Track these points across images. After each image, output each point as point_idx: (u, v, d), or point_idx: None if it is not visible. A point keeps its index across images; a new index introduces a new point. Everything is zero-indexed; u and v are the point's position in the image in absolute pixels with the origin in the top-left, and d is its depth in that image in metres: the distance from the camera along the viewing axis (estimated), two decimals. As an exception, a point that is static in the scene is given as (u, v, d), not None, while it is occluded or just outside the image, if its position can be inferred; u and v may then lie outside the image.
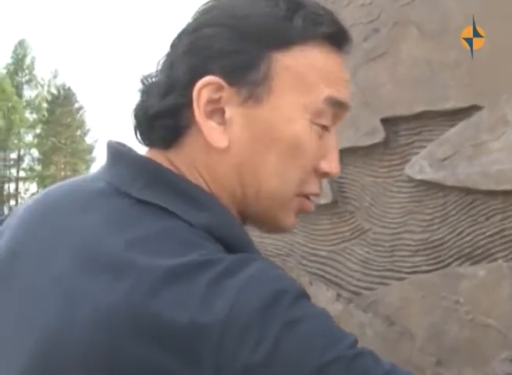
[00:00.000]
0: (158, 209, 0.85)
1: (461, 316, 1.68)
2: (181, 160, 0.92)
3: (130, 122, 0.95)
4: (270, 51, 0.89)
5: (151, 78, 0.95)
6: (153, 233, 0.82)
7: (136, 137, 0.96)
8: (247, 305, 0.75)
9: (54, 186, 0.99)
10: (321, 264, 2.07)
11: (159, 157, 0.92)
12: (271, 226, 0.97)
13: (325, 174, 0.95)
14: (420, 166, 1.84)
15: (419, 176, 1.84)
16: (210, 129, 0.90)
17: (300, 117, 0.90)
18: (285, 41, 0.90)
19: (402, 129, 1.93)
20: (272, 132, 0.90)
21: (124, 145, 0.95)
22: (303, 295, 0.80)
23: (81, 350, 0.77)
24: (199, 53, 0.90)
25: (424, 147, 1.86)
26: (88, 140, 47.20)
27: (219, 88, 0.89)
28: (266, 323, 0.74)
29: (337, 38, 0.93)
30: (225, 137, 0.90)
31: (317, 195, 0.97)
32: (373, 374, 0.77)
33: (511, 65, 1.70)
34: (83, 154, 46.28)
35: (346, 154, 1.94)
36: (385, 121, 1.94)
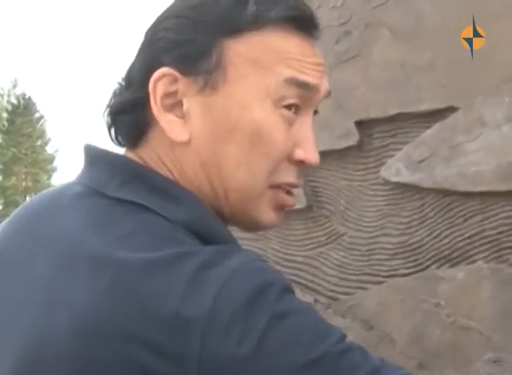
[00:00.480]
0: (136, 206, 0.83)
1: (442, 319, 1.67)
2: (149, 157, 0.90)
3: (103, 124, 0.94)
4: (221, 39, 0.87)
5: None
6: (132, 229, 0.80)
7: (111, 139, 0.94)
8: (232, 297, 0.73)
9: (34, 196, 0.98)
10: (297, 270, 2.04)
11: (133, 156, 0.91)
12: (248, 223, 0.93)
13: (300, 163, 0.91)
14: (396, 169, 1.83)
15: (395, 179, 1.83)
16: (169, 123, 0.87)
17: (259, 103, 0.87)
18: (235, 27, 0.87)
19: (376, 131, 1.92)
20: (229, 121, 0.87)
21: (100, 148, 0.93)
22: (288, 289, 0.78)
23: (62, 359, 0.76)
24: (153, 46, 0.89)
25: (400, 149, 1.85)
26: (49, 150, 46.81)
27: (174, 80, 0.87)
28: (252, 316, 0.73)
29: (299, 21, 0.90)
30: (186, 131, 0.87)
31: (294, 186, 0.92)
32: (361, 370, 0.75)
33: (487, 66, 1.69)
34: (44, 164, 45.89)
35: (319, 157, 1.92)
36: (359, 124, 1.93)
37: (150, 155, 0.90)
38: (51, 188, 0.98)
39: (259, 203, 0.90)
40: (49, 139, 46.51)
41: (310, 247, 2.02)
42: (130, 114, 0.89)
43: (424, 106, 1.80)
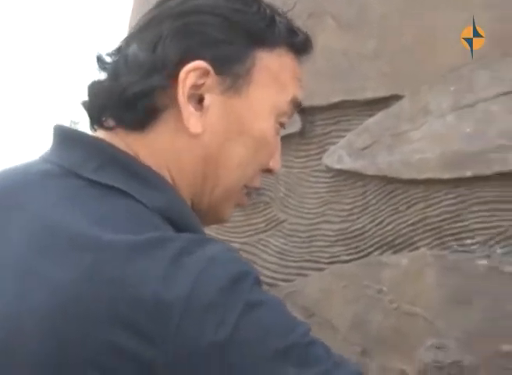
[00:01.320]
0: (113, 190, 0.84)
1: (385, 305, 1.68)
2: (143, 144, 0.90)
3: (87, 102, 0.91)
4: (257, 49, 0.93)
5: (111, 56, 0.93)
6: (110, 211, 0.82)
7: (90, 117, 0.93)
8: (209, 284, 0.75)
9: None
10: (235, 257, 2.02)
11: (115, 139, 0.90)
12: (212, 218, 0.99)
13: (268, 171, 0.99)
14: (338, 156, 1.83)
15: (338, 166, 1.83)
16: (189, 113, 0.89)
17: (269, 114, 0.94)
18: (270, 42, 0.94)
19: (319, 119, 1.92)
20: (244, 125, 0.92)
21: (73, 129, 0.94)
22: (259, 281, 0.82)
23: (38, 334, 0.75)
24: (192, 37, 0.90)
25: (342, 137, 1.85)
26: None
27: (205, 74, 0.89)
28: (228, 303, 0.75)
29: (305, 49, 0.99)
30: (200, 124, 0.90)
31: (258, 189, 1.03)
32: (324, 363, 0.80)
33: (432, 55, 1.71)
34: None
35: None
36: (302, 111, 1.91)
37: (145, 141, 0.90)
38: (11, 166, 0.95)
39: (231, 201, 0.97)
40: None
41: (248, 233, 2.01)
42: (152, 99, 0.89)
43: (368, 94, 1.82)
